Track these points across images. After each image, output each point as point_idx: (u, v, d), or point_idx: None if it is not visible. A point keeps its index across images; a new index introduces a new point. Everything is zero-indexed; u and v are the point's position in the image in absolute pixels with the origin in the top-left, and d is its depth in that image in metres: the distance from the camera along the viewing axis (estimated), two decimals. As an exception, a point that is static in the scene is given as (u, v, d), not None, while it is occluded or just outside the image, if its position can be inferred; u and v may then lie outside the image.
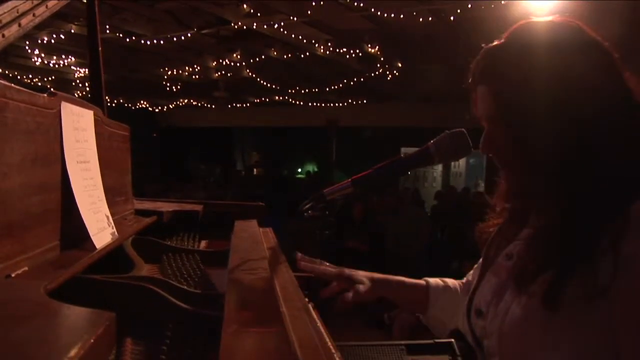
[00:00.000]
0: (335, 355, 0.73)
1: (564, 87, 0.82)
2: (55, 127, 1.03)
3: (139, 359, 0.75)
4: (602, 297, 0.73)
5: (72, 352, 0.43)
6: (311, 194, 1.18)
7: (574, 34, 0.86)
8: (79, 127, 1.17)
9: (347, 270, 1.18)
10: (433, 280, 1.24)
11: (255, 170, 14.69)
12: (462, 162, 14.24)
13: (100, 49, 1.75)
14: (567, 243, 0.79)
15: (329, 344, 0.78)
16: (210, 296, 0.97)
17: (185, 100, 12.65)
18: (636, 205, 0.74)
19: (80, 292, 0.88)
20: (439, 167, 13.90)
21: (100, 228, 1.15)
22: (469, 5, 4.75)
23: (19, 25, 0.89)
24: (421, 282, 1.24)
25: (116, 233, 1.22)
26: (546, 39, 0.86)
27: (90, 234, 1.08)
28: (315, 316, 0.88)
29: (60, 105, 1.05)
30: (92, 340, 0.46)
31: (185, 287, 1.01)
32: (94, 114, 1.28)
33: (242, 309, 0.76)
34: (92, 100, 1.75)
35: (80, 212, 1.06)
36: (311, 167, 15.69)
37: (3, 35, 0.96)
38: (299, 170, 15.98)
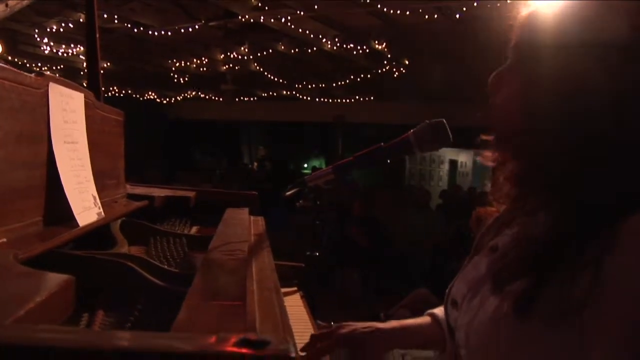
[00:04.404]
0: (294, 337, 0.74)
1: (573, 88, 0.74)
2: (42, 107, 1.06)
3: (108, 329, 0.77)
4: (576, 314, 0.68)
5: (22, 308, 0.45)
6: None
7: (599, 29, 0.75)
8: (67, 108, 1.19)
9: (344, 329, 1.05)
10: (439, 312, 1.09)
11: (261, 164, 14.73)
12: (469, 161, 14.14)
13: (97, 35, 1.78)
14: (550, 248, 0.73)
15: (295, 326, 0.80)
16: (187, 275, 0.99)
17: (193, 93, 12.69)
18: (629, 222, 0.68)
19: (57, 266, 0.90)
20: (445, 166, 13.83)
21: (86, 207, 1.18)
22: (475, 4, 4.74)
23: (6, 5, 0.91)
24: (426, 319, 1.11)
25: (102, 213, 1.25)
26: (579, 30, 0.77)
27: (75, 213, 1.10)
28: (282, 298, 0.90)
29: (47, 86, 1.07)
30: (42, 298, 0.48)
31: (163, 266, 1.04)
32: (85, 97, 1.30)
33: (209, 284, 0.78)
34: (88, 85, 1.78)
35: (65, 190, 1.09)
36: (317, 163, 15.68)
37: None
38: (305, 165, 15.99)
